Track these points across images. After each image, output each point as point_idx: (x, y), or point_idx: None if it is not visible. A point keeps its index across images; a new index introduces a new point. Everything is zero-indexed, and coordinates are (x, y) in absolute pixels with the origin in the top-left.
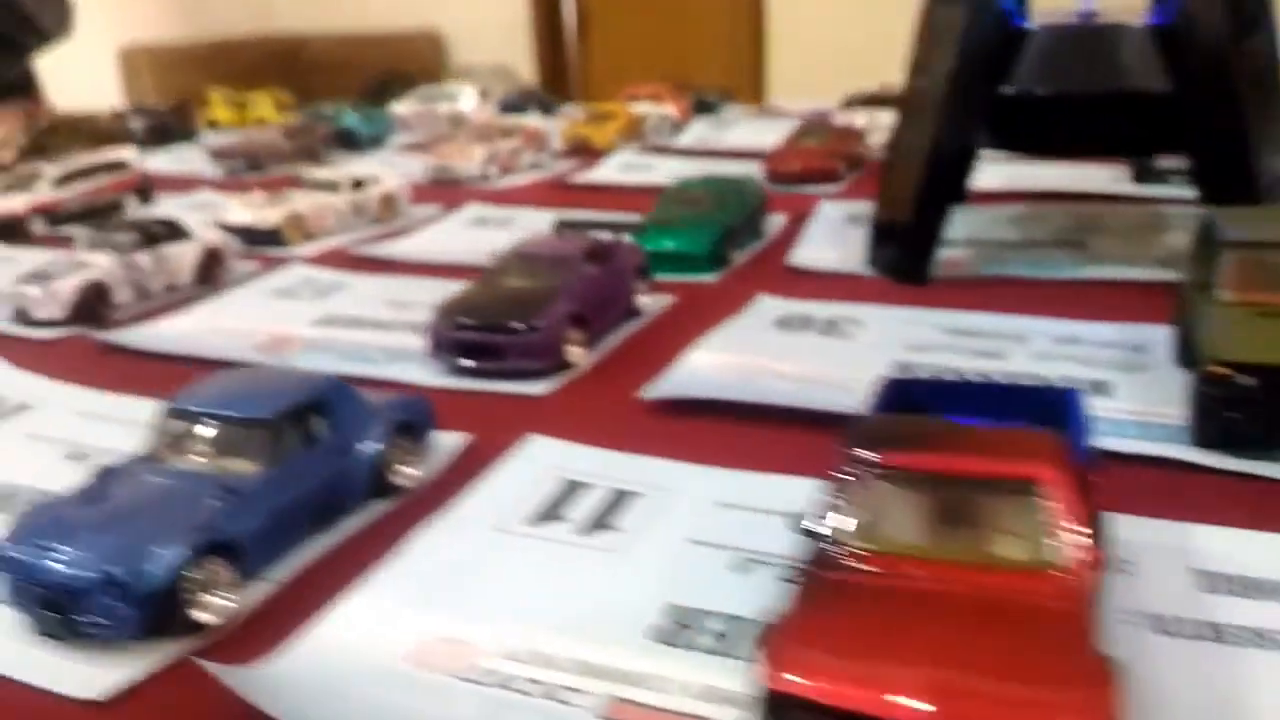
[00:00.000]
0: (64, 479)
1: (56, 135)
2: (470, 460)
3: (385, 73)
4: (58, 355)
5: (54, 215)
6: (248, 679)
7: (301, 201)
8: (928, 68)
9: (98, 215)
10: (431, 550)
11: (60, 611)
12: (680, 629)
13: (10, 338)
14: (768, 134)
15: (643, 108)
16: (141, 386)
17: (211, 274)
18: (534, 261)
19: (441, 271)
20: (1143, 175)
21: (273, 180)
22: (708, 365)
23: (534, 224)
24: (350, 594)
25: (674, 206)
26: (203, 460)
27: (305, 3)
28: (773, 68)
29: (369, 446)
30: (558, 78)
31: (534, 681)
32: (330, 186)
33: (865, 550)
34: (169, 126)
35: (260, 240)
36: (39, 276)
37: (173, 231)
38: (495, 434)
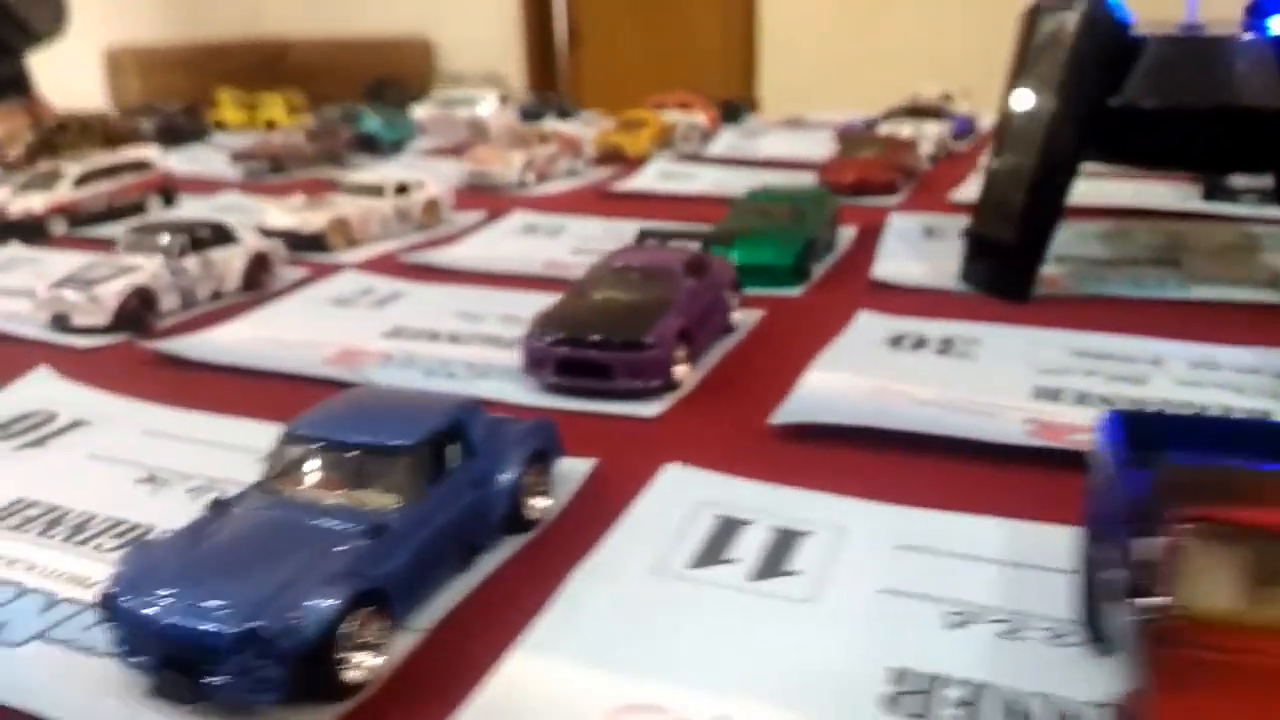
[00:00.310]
0: (142, 507)
1: (66, 133)
2: (597, 489)
3: (378, 78)
4: (105, 366)
5: (74, 216)
6: None
7: (346, 206)
8: (1036, 77)
9: (120, 217)
10: (590, 597)
11: (186, 671)
12: (916, 698)
13: (48, 346)
14: (803, 144)
15: (673, 116)
16: (205, 402)
17: (258, 280)
18: (632, 274)
19: (504, 281)
20: (1213, 193)
21: (302, 183)
22: (831, 388)
23: (586, 233)
24: (514, 649)
25: (748, 217)
26: (335, 494)
27: (294, 6)
28: (765, 80)
29: (506, 475)
30: (548, 87)
31: None
32: (375, 191)
33: (1212, 621)
34: (180, 127)
35: (302, 245)
36: (78, 281)
37: (219, 235)
38: (615, 459)
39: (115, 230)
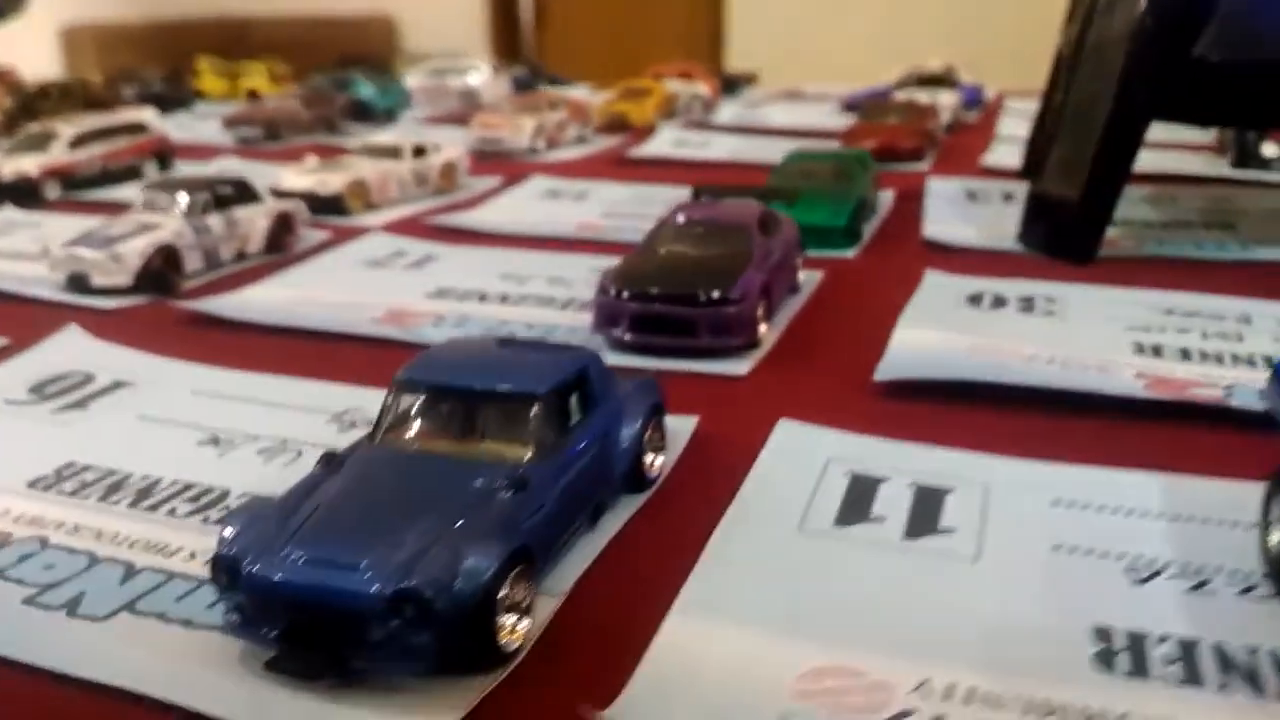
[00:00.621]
0: (211, 470)
1: (47, 100)
2: (702, 447)
3: (342, 56)
4: (131, 327)
5: (69, 179)
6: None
7: (364, 167)
8: (1108, 24)
9: (115, 181)
10: (738, 557)
11: (319, 642)
12: (1127, 655)
13: (67, 308)
14: (809, 114)
15: (675, 86)
16: (252, 363)
17: (282, 241)
18: (703, 229)
19: (539, 244)
20: (1244, 161)
21: (299, 150)
22: (927, 344)
23: (613, 197)
24: (671, 613)
25: (795, 179)
26: (461, 445)
27: None
28: (731, 57)
29: (630, 430)
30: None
31: None
32: (392, 153)
33: None
34: (162, 95)
35: (319, 208)
36: (97, 239)
37: (242, 192)
38: (711, 418)
39: (113, 194)
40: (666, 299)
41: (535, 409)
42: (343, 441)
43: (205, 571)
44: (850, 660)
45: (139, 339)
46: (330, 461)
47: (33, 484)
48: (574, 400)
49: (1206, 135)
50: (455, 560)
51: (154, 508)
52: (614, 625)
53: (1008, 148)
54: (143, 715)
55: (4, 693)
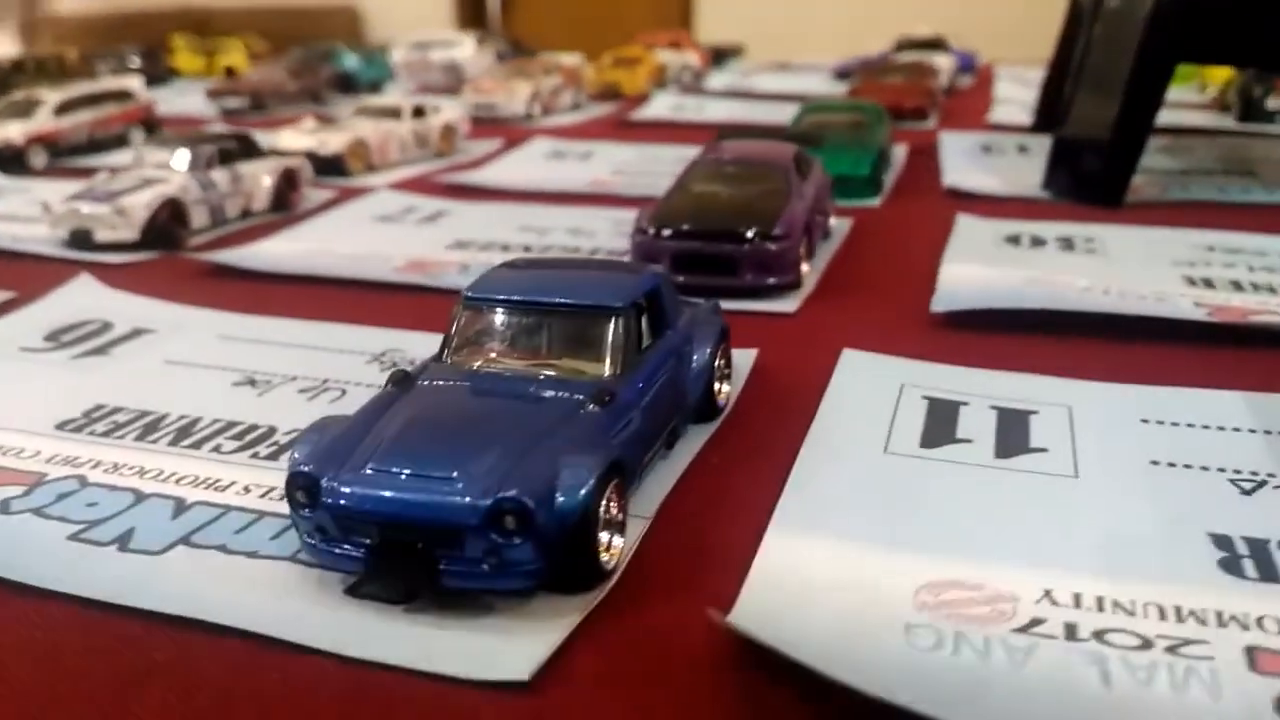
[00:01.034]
0: (253, 408)
1: (23, 74)
2: (763, 379)
3: (309, 43)
4: (143, 282)
5: (55, 147)
6: (778, 635)
7: (364, 127)
8: None
9: (102, 149)
10: (828, 478)
11: (406, 562)
12: (1252, 561)
13: (72, 264)
14: (800, 82)
15: (665, 55)
16: (274, 310)
17: (287, 199)
18: (736, 167)
19: (552, 199)
20: (1249, 114)
21: (286, 120)
22: (979, 279)
23: (620, 156)
24: (770, 532)
25: (814, 129)
26: (539, 361)
27: None
28: (700, 34)
29: (701, 356)
30: None
31: (1132, 634)
32: (391, 113)
33: None
34: (139, 72)
35: (319, 169)
36: (100, 193)
37: (246, 147)
38: (767, 351)
39: (101, 162)
40: (708, 236)
41: (615, 323)
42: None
43: (262, 505)
44: (965, 574)
45: (153, 290)
46: (402, 381)
47: (61, 425)
48: (645, 320)
49: (1204, 95)
50: (552, 472)
51: (196, 445)
52: (703, 545)
53: (1007, 108)
54: (203, 642)
55: (57, 625)
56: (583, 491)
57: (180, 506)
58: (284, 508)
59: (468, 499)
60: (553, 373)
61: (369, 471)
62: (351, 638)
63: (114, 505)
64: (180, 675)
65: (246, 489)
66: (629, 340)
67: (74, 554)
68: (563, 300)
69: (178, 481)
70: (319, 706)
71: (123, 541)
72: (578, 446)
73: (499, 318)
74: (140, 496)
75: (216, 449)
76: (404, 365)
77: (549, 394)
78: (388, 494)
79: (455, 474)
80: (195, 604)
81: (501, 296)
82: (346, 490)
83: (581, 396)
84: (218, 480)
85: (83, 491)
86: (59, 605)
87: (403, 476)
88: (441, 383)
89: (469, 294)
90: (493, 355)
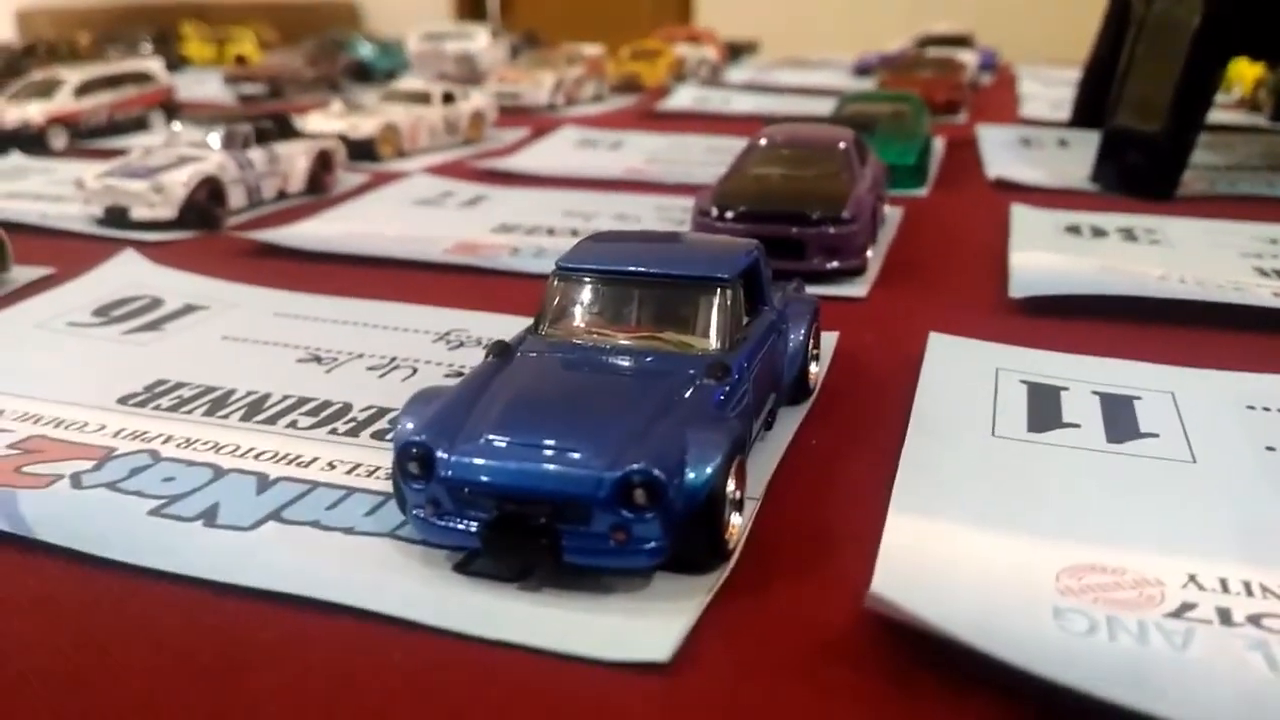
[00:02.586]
0: (323, 385)
1: (34, 58)
2: (850, 362)
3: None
4: (184, 259)
5: (75, 128)
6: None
7: (396, 113)
8: None
9: (122, 132)
10: (941, 461)
11: (527, 537)
12: None
13: (109, 241)
14: (820, 77)
15: (684, 49)
16: (326, 288)
17: (322, 182)
18: (795, 150)
19: (590, 185)
20: None
21: (305, 106)
22: (1051, 266)
23: (651, 145)
24: (891, 514)
25: (862, 117)
26: (641, 335)
27: None
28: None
29: (796, 336)
30: None
31: None
32: (421, 98)
33: None
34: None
35: (350, 153)
36: (137, 169)
37: (283, 127)
38: (849, 335)
39: (123, 144)
40: (775, 218)
41: (723, 296)
42: (456, 359)
43: (350, 480)
44: (1104, 558)
45: (194, 269)
46: (503, 353)
47: (124, 400)
48: (751, 291)
49: (1231, 96)
50: (680, 446)
51: (270, 420)
52: (817, 527)
53: (1035, 103)
54: (311, 621)
55: (152, 602)
56: (712, 467)
57: (264, 482)
58: (374, 484)
59: (597, 471)
60: (655, 345)
61: (488, 442)
62: (474, 617)
63: (193, 480)
64: (291, 656)
65: (331, 465)
66: (736, 313)
67: (157, 529)
68: (666, 271)
69: (257, 457)
70: (447, 689)
71: (209, 517)
72: (702, 421)
73: (597, 289)
74: (220, 472)
75: (292, 424)
76: (470, 344)
77: (660, 367)
78: (512, 465)
79: (580, 445)
80: (299, 581)
81: (599, 267)
82: (466, 461)
83: (693, 371)
84: (299, 456)
85: (157, 466)
86: (148, 582)
87: (525, 448)
88: (544, 355)
89: (565, 266)
90: (593, 327)
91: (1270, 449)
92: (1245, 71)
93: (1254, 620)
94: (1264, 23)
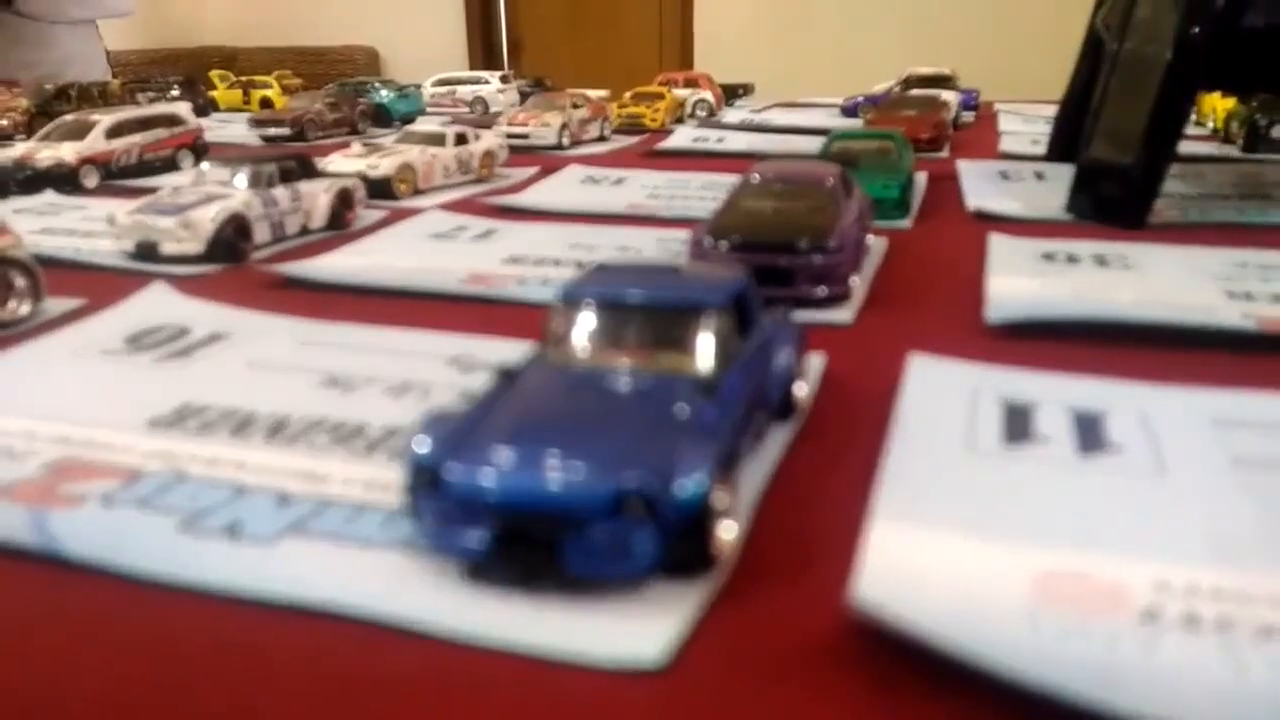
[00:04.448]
0: (340, 406)
1: (68, 101)
2: (835, 383)
3: (333, 83)
4: (212, 291)
5: (106, 169)
6: (906, 625)
7: (411, 153)
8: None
9: (152, 173)
10: (923, 475)
11: (528, 549)
12: None
13: (139, 275)
14: (813, 118)
15: (682, 92)
16: (345, 319)
17: (343, 218)
18: (785, 185)
19: (594, 220)
20: (1254, 145)
21: (327, 149)
22: (1026, 292)
23: (652, 182)
24: (873, 522)
25: (846, 154)
26: (641, 358)
27: (234, 18)
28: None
29: (783, 356)
30: None
31: (1257, 624)
32: (436, 140)
33: None
34: (179, 100)
35: (368, 192)
36: (167, 206)
37: (305, 168)
38: (835, 358)
39: (153, 183)
40: (766, 248)
41: (715, 320)
42: (466, 382)
43: (365, 496)
44: (1074, 565)
45: (224, 299)
46: (507, 375)
47: (153, 423)
48: (740, 317)
49: (1203, 128)
50: (671, 460)
51: (291, 440)
52: (804, 537)
53: (1015, 139)
54: (325, 629)
55: (172, 614)
56: (703, 478)
57: (284, 498)
58: (387, 499)
59: (594, 485)
60: (654, 368)
61: (491, 458)
62: (480, 624)
63: (216, 497)
64: (305, 663)
65: (347, 481)
66: (726, 337)
67: (184, 544)
68: (661, 298)
69: (276, 473)
70: (452, 692)
71: (233, 531)
72: (694, 437)
73: (597, 315)
74: (242, 489)
75: (311, 444)
76: (479, 368)
77: (656, 387)
78: (512, 480)
79: (579, 461)
80: (318, 591)
81: (600, 295)
82: (470, 476)
83: (687, 390)
84: (314, 471)
85: (183, 485)
86: (171, 595)
87: (526, 463)
88: (548, 377)
89: (571, 293)
90: (595, 351)
91: (1237, 461)
92: (1218, 104)
93: (1222, 624)
94: (1232, 58)
